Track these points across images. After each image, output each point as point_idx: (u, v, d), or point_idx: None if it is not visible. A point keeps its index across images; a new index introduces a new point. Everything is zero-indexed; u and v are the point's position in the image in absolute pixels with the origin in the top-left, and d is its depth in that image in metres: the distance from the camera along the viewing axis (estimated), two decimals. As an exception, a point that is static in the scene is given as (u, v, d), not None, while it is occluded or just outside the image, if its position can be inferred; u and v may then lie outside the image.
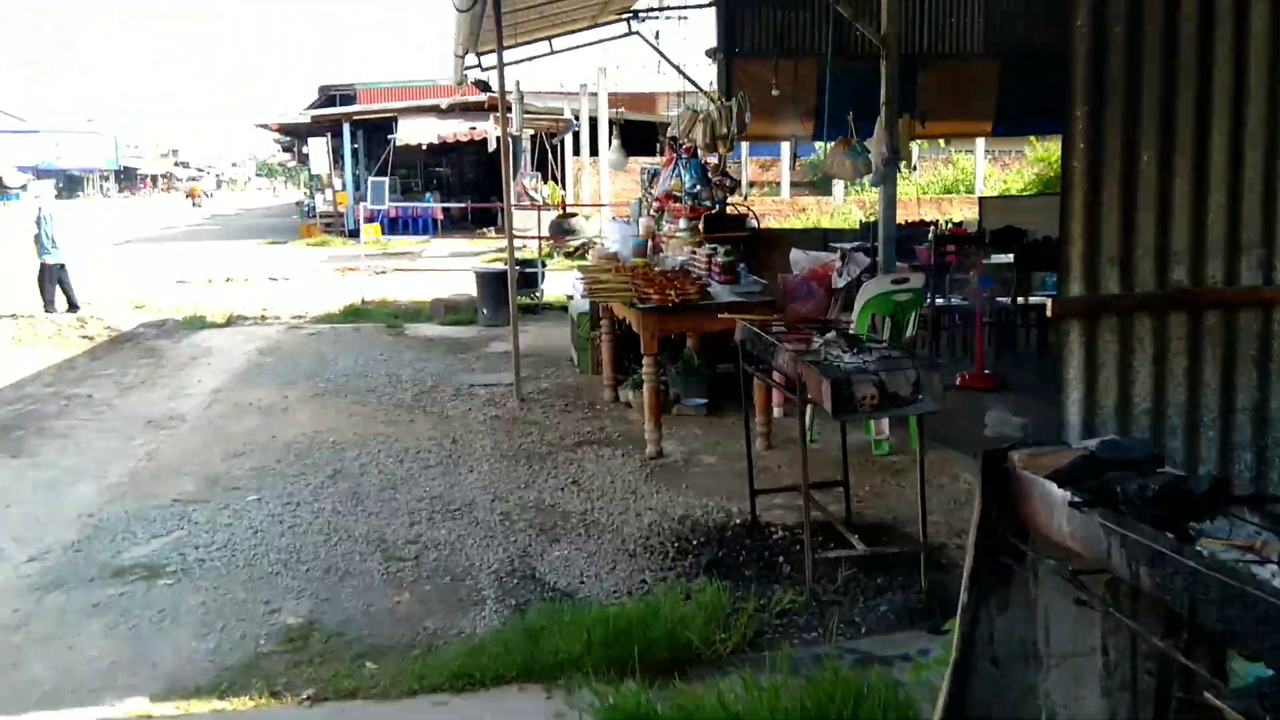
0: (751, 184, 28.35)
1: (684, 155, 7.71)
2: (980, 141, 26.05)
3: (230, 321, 12.60)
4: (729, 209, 9.36)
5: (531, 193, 24.11)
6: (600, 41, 12.35)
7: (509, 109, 8.19)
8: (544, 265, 14.19)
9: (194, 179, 76.38)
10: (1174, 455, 3.37)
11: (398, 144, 26.83)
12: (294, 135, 37.48)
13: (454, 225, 29.25)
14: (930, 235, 9.58)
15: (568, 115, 26.70)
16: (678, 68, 12.24)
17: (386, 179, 16.09)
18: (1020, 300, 9.39)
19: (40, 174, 66.88)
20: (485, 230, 27.29)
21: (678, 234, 7.39)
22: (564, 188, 26.52)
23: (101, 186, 75.33)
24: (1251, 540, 2.07)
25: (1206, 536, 2.10)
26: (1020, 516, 2.50)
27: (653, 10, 11.89)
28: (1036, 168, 23.28)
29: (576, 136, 26.51)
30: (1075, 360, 3.22)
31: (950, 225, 10.66)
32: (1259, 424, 3.47)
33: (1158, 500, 2.14)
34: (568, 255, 20.70)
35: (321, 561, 4.73)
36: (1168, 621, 2.21)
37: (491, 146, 25.65)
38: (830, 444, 6.57)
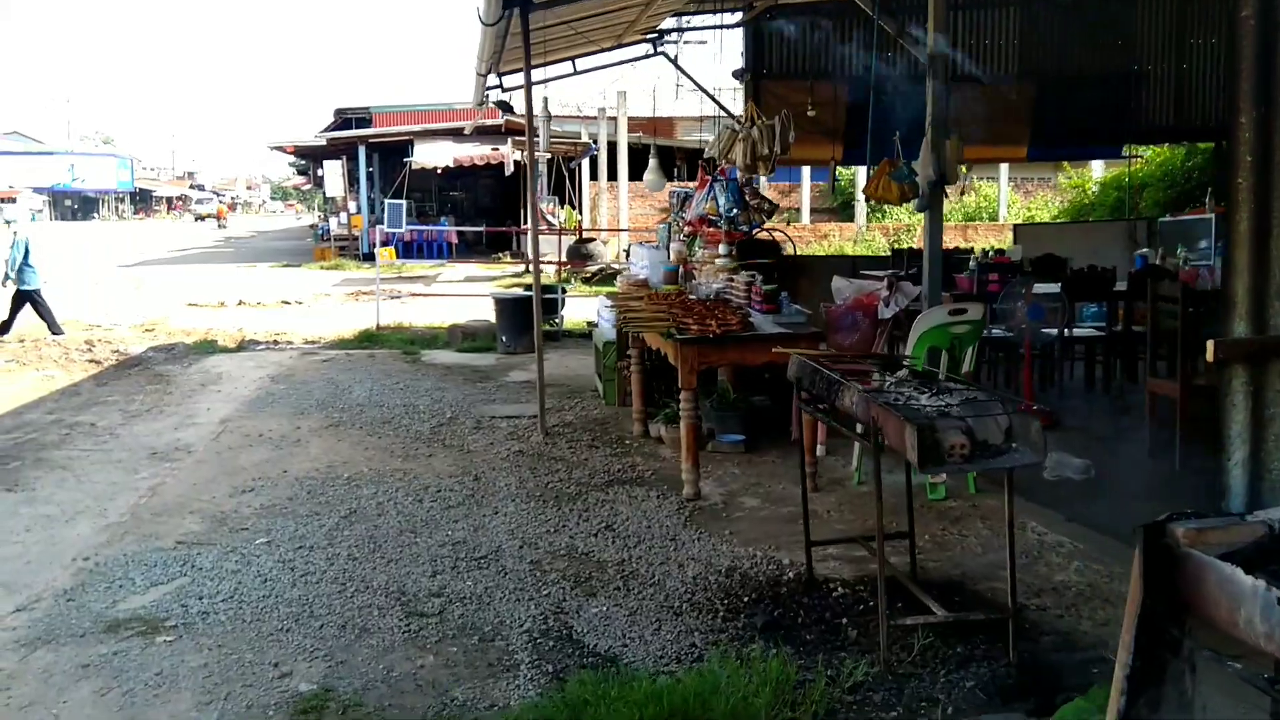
0: (772, 210, 28.03)
1: (720, 177, 7.32)
2: (1004, 168, 25.69)
3: (242, 346, 12.24)
4: (759, 234, 8.96)
5: (549, 217, 23.87)
6: (623, 63, 12.05)
7: (536, 129, 7.81)
8: (564, 291, 13.80)
9: (222, 201, 76.66)
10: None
11: (413, 167, 26.60)
12: (309, 158, 37.30)
13: (468, 249, 28.97)
14: (972, 264, 9.18)
15: (585, 139, 26.45)
16: (705, 91, 11.90)
17: (404, 202, 15.74)
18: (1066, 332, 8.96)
19: (56, 195, 67.22)
20: (500, 255, 26.99)
21: (717, 259, 6.98)
22: (580, 213, 26.23)
23: (117, 208, 75.53)
24: None
25: None
26: (1183, 603, 2.07)
27: (679, 29, 11.53)
28: (1069, 195, 22.84)
29: (594, 161, 26.21)
30: (1239, 414, 2.76)
31: (993, 253, 10.23)
32: None
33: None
34: (585, 280, 20.38)
35: (337, 616, 4.30)
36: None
37: (509, 170, 25.44)
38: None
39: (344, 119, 33.55)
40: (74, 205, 70.74)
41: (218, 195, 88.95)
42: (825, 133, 10.87)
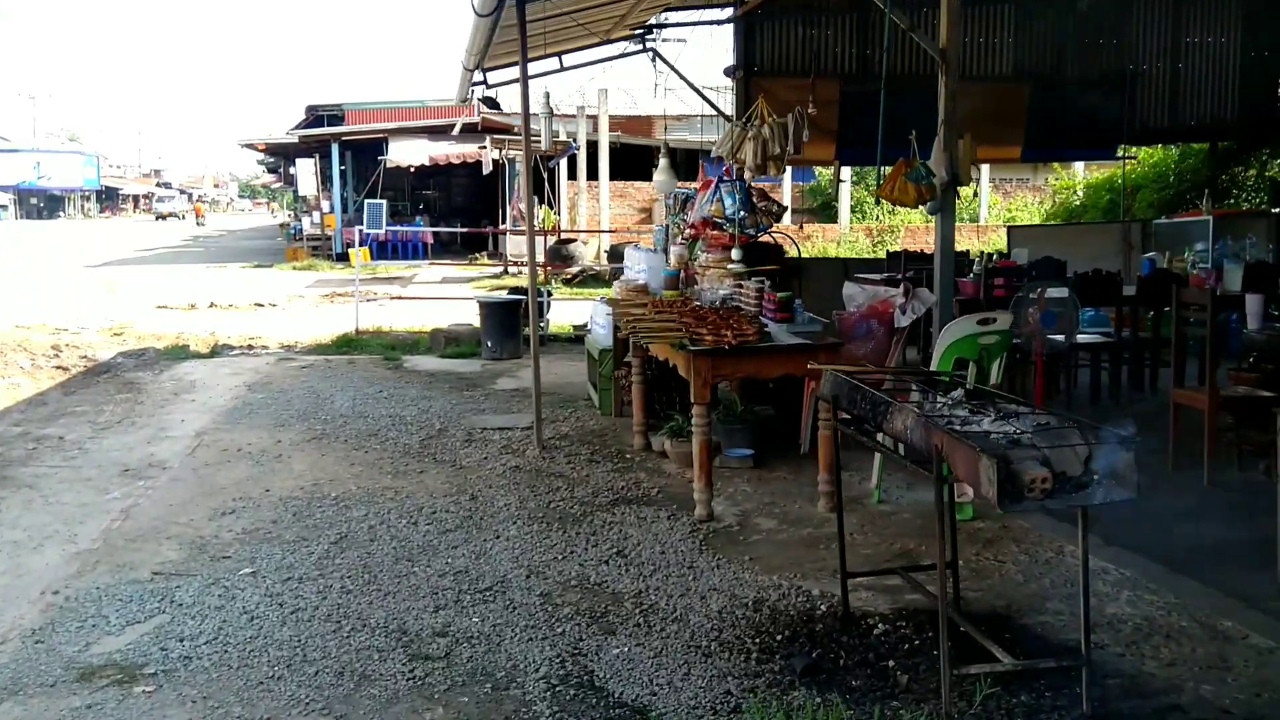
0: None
1: (727, 178, 6.98)
2: (985, 169, 25.52)
3: (215, 351, 11.77)
4: (763, 237, 8.63)
5: (524, 216, 23.44)
6: (611, 59, 11.67)
7: (535, 127, 7.44)
8: (549, 294, 13.42)
9: (200, 199, 75.62)
10: None
11: (389, 165, 26.11)
12: (280, 155, 36.70)
13: (443, 249, 28.48)
14: (977, 268, 8.88)
15: (564, 138, 26.06)
16: (696, 88, 11.56)
17: (384, 202, 15.32)
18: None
19: (21, 193, 66.05)
20: (477, 255, 26.53)
21: (729, 264, 6.63)
22: (559, 213, 25.81)
23: (83, 206, 74.31)
24: None
25: None
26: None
27: (659, 25, 11.18)
28: (1059, 196, 22.68)
29: (573, 160, 25.80)
30: None
31: (997, 257, 9.96)
32: None
33: None
34: (566, 282, 20.00)
35: (333, 660, 3.91)
36: None
37: (487, 169, 24.98)
38: (902, 503, 5.84)
39: (316, 116, 32.98)
40: (40, 204, 69.55)
41: (183, 192, 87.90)
42: (820, 131, 10.55)
